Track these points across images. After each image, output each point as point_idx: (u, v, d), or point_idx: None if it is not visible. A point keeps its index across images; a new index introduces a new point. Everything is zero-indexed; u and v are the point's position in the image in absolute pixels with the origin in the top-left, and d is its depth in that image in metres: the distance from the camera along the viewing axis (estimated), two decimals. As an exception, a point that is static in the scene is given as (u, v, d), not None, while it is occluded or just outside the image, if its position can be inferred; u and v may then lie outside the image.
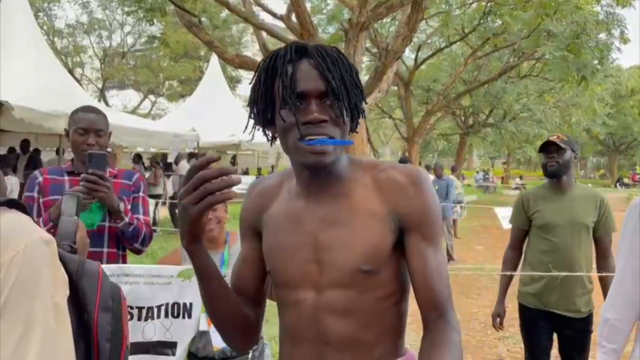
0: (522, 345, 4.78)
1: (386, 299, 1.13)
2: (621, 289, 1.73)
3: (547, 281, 2.77)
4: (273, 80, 1.08)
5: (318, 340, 1.13)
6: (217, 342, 2.11)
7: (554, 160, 2.73)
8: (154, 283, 2.12)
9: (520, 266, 3.04)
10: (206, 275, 1.14)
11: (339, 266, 1.11)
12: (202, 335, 2.18)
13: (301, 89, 1.05)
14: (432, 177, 9.37)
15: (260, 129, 1.15)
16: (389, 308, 1.14)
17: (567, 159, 2.73)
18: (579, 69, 9.57)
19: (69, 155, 8.12)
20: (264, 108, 1.11)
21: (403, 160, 8.42)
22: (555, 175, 2.76)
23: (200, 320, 2.14)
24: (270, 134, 1.15)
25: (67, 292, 0.89)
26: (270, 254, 1.20)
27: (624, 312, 1.71)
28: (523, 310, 2.93)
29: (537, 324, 2.85)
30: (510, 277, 3.03)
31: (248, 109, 1.14)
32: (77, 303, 0.92)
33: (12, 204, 0.90)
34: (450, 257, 8.67)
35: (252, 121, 1.13)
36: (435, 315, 1.11)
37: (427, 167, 9.35)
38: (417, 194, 1.11)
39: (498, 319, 3.02)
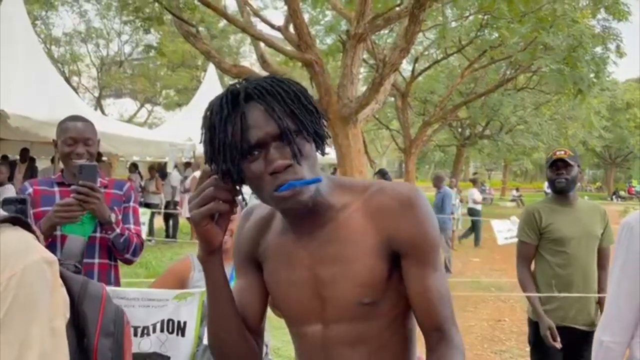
0: (520, 360, 4.76)
1: (392, 323, 1.12)
2: (616, 311, 1.70)
3: (566, 297, 2.75)
4: (224, 134, 1.00)
5: None
6: None
7: (562, 176, 2.76)
8: (149, 306, 2.12)
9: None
10: (216, 292, 1.14)
11: (340, 301, 1.09)
12: (205, 349, 2.14)
13: (254, 141, 0.98)
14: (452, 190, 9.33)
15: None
16: (396, 331, 1.13)
17: (574, 175, 2.77)
18: (575, 82, 9.62)
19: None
20: (221, 164, 1.02)
21: (382, 172, 8.35)
22: (564, 191, 2.78)
23: (204, 334, 2.11)
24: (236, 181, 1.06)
25: (67, 315, 0.85)
26: (272, 291, 1.19)
27: (620, 334, 1.68)
28: (533, 325, 2.83)
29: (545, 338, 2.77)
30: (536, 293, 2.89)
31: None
32: (78, 327, 0.88)
33: (16, 221, 0.86)
34: (447, 270, 8.64)
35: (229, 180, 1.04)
36: (437, 336, 1.09)
37: (438, 178, 9.27)
38: (409, 219, 1.06)
39: (549, 333, 2.74)
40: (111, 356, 0.92)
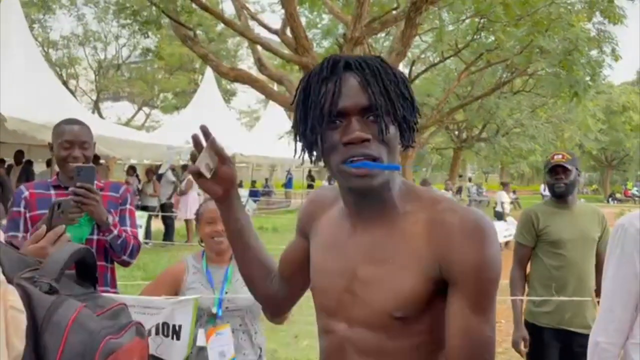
0: (516, 362, 4.76)
1: (419, 348, 1.03)
2: (611, 312, 1.71)
3: (562, 299, 2.76)
4: (314, 98, 1.01)
5: None
6: (214, 359, 2.09)
7: (561, 181, 2.78)
8: (145, 313, 2.13)
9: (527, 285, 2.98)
10: (230, 226, 1.23)
11: (370, 305, 1.04)
12: (199, 351, 2.15)
13: (340, 107, 0.98)
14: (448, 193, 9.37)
15: (307, 151, 1.08)
16: (425, 356, 1.04)
17: (572, 179, 2.79)
18: (571, 85, 9.65)
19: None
20: (305, 129, 1.03)
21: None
22: (563, 195, 2.81)
23: (198, 335, 2.12)
24: (316, 155, 1.07)
25: (20, 347, 0.74)
26: (314, 274, 1.18)
27: (615, 335, 1.69)
28: (535, 330, 2.84)
29: (550, 343, 2.80)
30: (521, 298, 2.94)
31: (293, 129, 1.09)
32: (39, 356, 0.76)
33: None
34: None
35: (299, 144, 1.07)
36: None
37: (424, 182, 9.30)
38: (468, 251, 0.97)
39: (522, 342, 2.83)
40: None
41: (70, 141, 2.14)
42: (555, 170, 2.80)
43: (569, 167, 2.77)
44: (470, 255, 0.97)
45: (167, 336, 2.14)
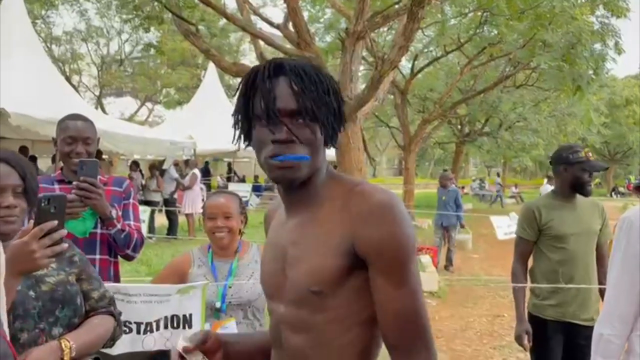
0: (519, 355, 4.79)
1: (340, 321, 1.11)
2: (616, 305, 1.72)
3: (566, 292, 2.77)
4: (253, 95, 1.11)
5: (282, 352, 1.20)
6: None
7: (591, 180, 2.82)
8: (151, 301, 2.13)
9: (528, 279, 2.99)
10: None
11: (295, 284, 1.14)
12: None
13: (272, 108, 1.08)
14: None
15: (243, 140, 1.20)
16: (345, 330, 1.12)
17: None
18: (574, 78, 9.62)
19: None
20: (243, 121, 1.15)
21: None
22: (590, 195, 2.85)
23: (204, 329, 2.13)
24: (249, 145, 1.19)
25: None
26: (261, 266, 1.31)
27: (619, 327, 1.70)
28: (540, 323, 2.84)
29: (554, 336, 2.81)
30: (524, 291, 2.93)
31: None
32: None
33: None
34: (449, 265, 8.68)
35: (237, 131, 1.18)
36: (396, 355, 1.10)
37: (444, 177, 9.39)
38: (376, 229, 1.06)
39: (526, 336, 2.83)
40: None
41: (74, 137, 2.16)
42: (590, 171, 2.80)
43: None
44: (375, 233, 1.06)
45: (176, 328, 2.15)
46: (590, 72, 9.95)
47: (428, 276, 7.33)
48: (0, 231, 1.46)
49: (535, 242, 2.88)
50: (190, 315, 2.16)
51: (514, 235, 6.38)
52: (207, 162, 18.16)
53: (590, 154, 2.84)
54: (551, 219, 2.80)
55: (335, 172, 1.21)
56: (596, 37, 10.08)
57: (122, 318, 1.97)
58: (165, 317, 2.15)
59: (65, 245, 1.40)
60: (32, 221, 1.37)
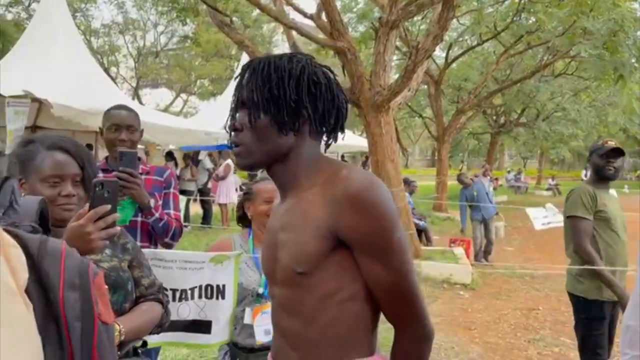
0: (554, 349, 4.72)
1: (328, 298, 1.16)
2: None
3: (619, 273, 2.93)
4: None
5: (278, 333, 1.27)
6: (260, 337, 2.16)
7: (612, 165, 2.98)
8: (186, 268, 2.20)
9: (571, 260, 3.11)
10: None
11: (283, 266, 1.20)
12: (244, 327, 2.22)
13: (234, 99, 1.22)
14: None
15: None
16: (333, 307, 1.16)
17: (620, 164, 3.02)
18: (616, 67, 9.31)
19: (101, 152, 8.30)
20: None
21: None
22: (613, 178, 3.03)
23: (245, 313, 2.19)
24: None
25: (25, 274, 0.83)
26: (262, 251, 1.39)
27: None
28: (585, 304, 2.95)
29: (605, 315, 2.94)
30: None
31: None
32: (42, 284, 0.87)
33: None
34: (488, 254, 8.59)
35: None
36: (396, 328, 1.19)
37: (485, 171, 9.33)
38: (356, 212, 1.11)
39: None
40: (79, 307, 0.90)
41: (118, 125, 2.24)
42: (608, 154, 2.98)
43: (624, 151, 3.01)
44: (354, 218, 1.10)
45: (210, 298, 2.21)
46: (633, 60, 9.63)
47: (461, 268, 7.28)
48: (59, 218, 1.52)
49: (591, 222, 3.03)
50: (224, 286, 2.22)
51: (551, 226, 6.28)
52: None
53: (609, 141, 3.02)
54: (605, 202, 2.99)
55: (325, 159, 1.25)
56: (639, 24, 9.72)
57: None
58: (200, 287, 2.21)
59: (118, 228, 1.45)
60: (87, 205, 1.42)
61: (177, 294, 2.19)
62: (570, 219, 3.01)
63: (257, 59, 1.22)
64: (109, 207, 1.41)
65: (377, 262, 1.12)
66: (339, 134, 1.27)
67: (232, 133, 1.23)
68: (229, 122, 1.23)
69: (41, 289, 0.86)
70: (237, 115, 1.22)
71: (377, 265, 1.12)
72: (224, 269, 2.20)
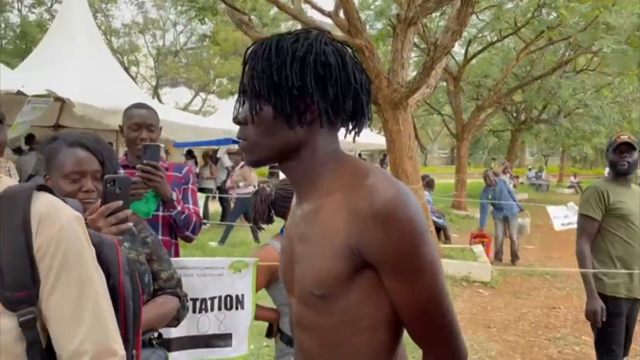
0: (574, 348, 4.67)
1: (349, 324, 1.04)
2: None
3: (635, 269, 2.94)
4: None
5: (297, 344, 1.18)
6: None
7: (625, 159, 2.96)
8: (206, 275, 2.22)
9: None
10: None
11: (300, 284, 1.09)
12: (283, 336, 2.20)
13: (240, 89, 1.07)
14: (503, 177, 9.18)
15: None
16: (354, 334, 1.04)
17: (635, 159, 2.98)
18: (639, 62, 9.14)
19: (121, 150, 8.37)
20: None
21: (427, 183, 8.91)
22: (627, 173, 2.99)
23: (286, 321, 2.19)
24: None
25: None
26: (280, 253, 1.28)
27: None
28: (613, 302, 2.94)
29: (623, 312, 2.96)
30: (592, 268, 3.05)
31: None
32: (103, 270, 1.05)
33: (42, 189, 1.03)
34: (516, 258, 8.49)
35: None
36: (423, 350, 1.07)
37: (504, 168, 9.15)
38: (379, 233, 0.96)
39: (600, 312, 2.90)
40: (132, 289, 1.11)
41: (138, 124, 2.28)
42: (620, 149, 2.96)
43: (635, 146, 2.95)
44: (379, 238, 0.96)
45: (230, 309, 2.23)
46: (658, 55, 9.43)
47: (480, 266, 7.22)
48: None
49: (599, 222, 3.01)
50: (243, 295, 2.23)
51: (571, 227, 6.21)
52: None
53: (621, 136, 3.02)
54: (619, 199, 2.96)
55: (345, 157, 1.09)
56: (664, 18, 9.51)
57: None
58: (219, 297, 2.23)
59: (130, 224, 1.47)
60: (99, 200, 1.46)
61: (198, 304, 2.21)
62: (579, 217, 3.12)
63: (261, 40, 1.05)
64: (120, 203, 1.44)
65: (404, 282, 0.99)
66: (363, 121, 1.08)
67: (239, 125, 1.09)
68: (233, 115, 1.09)
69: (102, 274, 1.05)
70: (243, 107, 1.08)
71: (404, 286, 0.99)
72: (242, 277, 2.21)
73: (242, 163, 10.59)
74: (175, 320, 1.78)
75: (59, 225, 0.97)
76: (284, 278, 1.19)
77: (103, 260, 1.06)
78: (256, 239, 8.87)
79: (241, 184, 9.73)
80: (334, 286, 1.01)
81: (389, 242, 0.96)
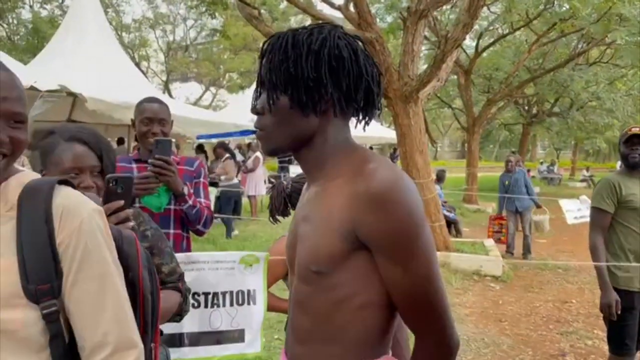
0: (587, 342, 4.64)
1: (341, 302, 1.08)
2: None
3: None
4: None
5: (290, 326, 1.21)
6: None
7: (636, 152, 2.91)
8: (218, 269, 2.23)
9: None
10: None
11: (300, 261, 1.14)
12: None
13: (257, 81, 1.15)
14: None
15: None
16: (347, 313, 1.08)
17: None
18: (654, 54, 9.03)
19: (133, 144, 8.41)
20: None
21: (437, 175, 8.73)
22: (637, 165, 2.94)
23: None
24: None
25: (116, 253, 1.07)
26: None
27: None
28: (628, 296, 2.92)
29: (636, 306, 2.93)
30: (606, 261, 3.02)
31: None
32: (122, 264, 1.06)
33: (63, 182, 1.05)
34: (528, 253, 8.40)
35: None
36: (416, 336, 1.09)
37: (518, 161, 9.04)
38: (376, 216, 1.01)
39: (615, 305, 2.88)
40: (150, 283, 1.14)
41: (150, 118, 2.29)
42: (632, 141, 2.91)
43: None
44: (376, 221, 1.01)
45: (242, 304, 2.23)
46: (672, 46, 9.30)
47: (492, 260, 7.19)
48: None
49: (611, 215, 2.98)
50: (254, 290, 2.24)
51: (584, 220, 6.16)
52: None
53: (633, 128, 2.97)
54: (632, 192, 2.92)
55: (355, 146, 1.16)
56: (680, 9, 9.37)
57: (192, 289, 2.05)
58: (231, 292, 2.23)
59: (131, 223, 1.45)
60: (101, 200, 1.44)
61: (210, 298, 2.21)
62: (591, 210, 3.07)
63: (277, 34, 1.11)
64: (122, 202, 1.43)
65: (397, 265, 1.02)
66: (374, 111, 1.14)
67: (255, 117, 1.15)
68: (251, 105, 1.16)
69: (123, 268, 1.08)
70: (260, 97, 1.14)
71: (397, 269, 1.03)
72: (254, 272, 2.22)
73: (225, 156, 10.60)
74: (177, 316, 1.75)
75: (80, 219, 0.99)
76: (288, 258, 1.25)
77: (122, 254, 1.08)
78: (229, 234, 8.89)
79: (222, 177, 9.82)
80: (330, 264, 1.06)
81: (384, 225, 1.01)
